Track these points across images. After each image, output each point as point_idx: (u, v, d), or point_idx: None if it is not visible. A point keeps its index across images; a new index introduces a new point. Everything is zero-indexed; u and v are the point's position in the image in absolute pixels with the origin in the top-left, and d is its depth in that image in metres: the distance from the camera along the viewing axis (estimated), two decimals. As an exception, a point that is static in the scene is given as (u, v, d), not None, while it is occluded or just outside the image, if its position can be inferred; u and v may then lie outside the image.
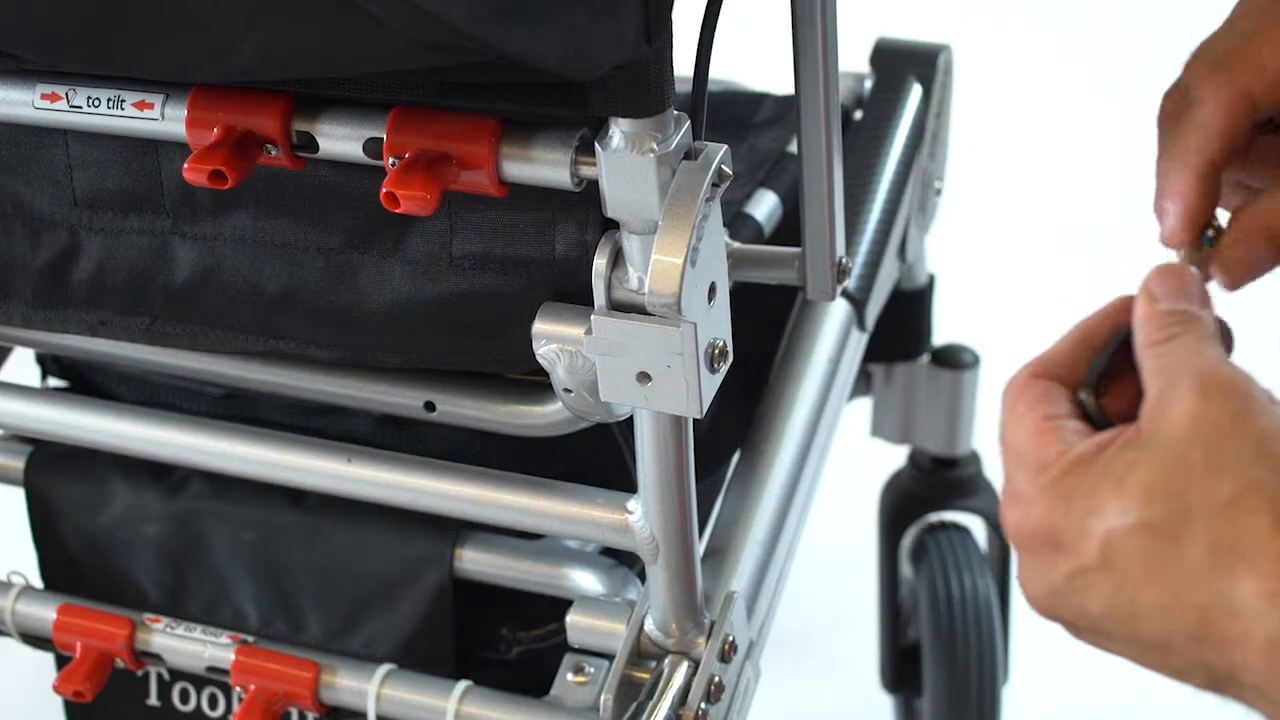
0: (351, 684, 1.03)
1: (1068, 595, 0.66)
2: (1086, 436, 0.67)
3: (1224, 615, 0.61)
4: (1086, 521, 0.64)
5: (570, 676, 1.02)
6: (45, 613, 1.09)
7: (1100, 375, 0.70)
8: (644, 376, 0.82)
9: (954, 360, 1.49)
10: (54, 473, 1.12)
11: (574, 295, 0.86)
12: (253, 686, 1.04)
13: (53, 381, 1.17)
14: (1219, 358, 0.66)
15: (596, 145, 0.79)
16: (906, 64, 1.35)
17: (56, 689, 1.07)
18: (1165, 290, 0.70)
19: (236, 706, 1.05)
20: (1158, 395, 0.65)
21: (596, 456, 1.02)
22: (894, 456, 1.59)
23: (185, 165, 0.83)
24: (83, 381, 1.15)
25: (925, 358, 1.50)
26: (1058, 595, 0.67)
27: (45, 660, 1.16)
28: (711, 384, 0.83)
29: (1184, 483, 0.62)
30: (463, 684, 1.00)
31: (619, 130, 0.78)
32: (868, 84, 1.36)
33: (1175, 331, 0.68)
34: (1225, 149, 0.76)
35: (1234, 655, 0.61)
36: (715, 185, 0.79)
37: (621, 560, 1.05)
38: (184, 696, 1.14)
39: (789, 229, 1.15)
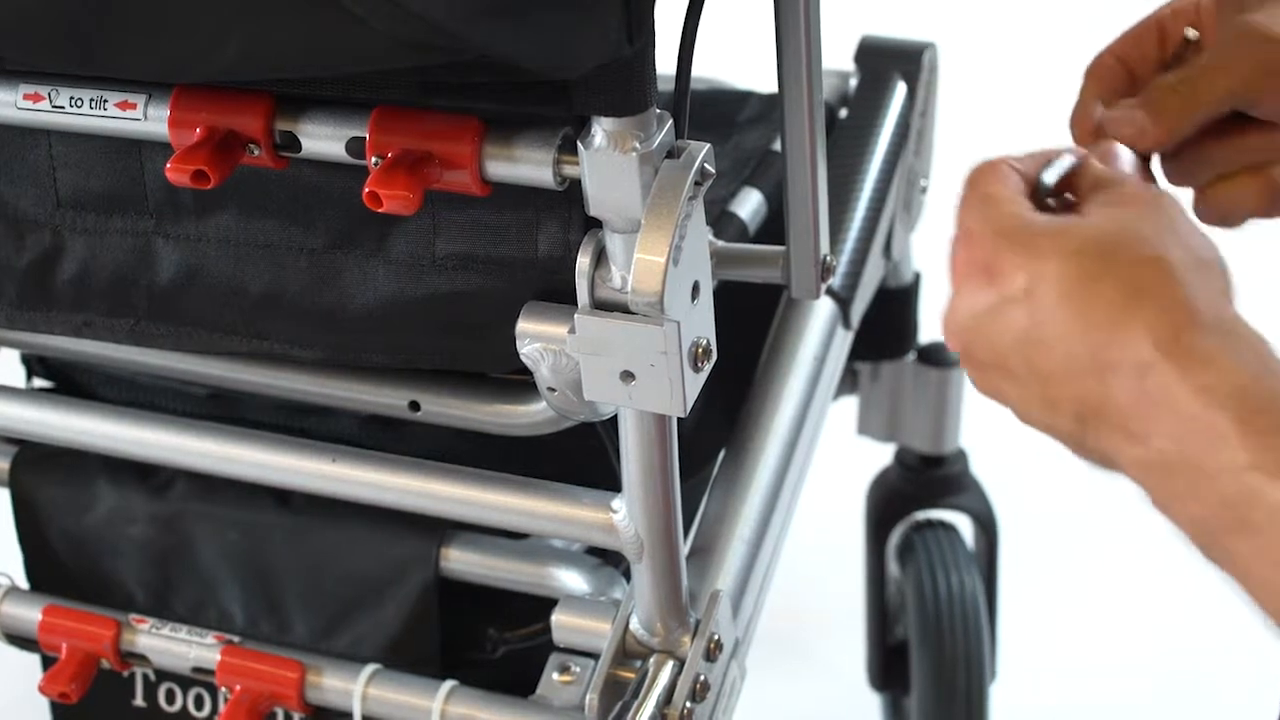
0: (337, 684, 1.03)
1: (985, 325, 0.74)
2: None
3: (1114, 345, 0.69)
4: (1023, 257, 0.72)
5: (556, 676, 1.02)
6: (30, 613, 1.09)
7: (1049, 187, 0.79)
8: (628, 375, 0.82)
9: (940, 358, 1.49)
10: (39, 473, 1.12)
11: (557, 294, 0.86)
12: (238, 687, 1.04)
13: (38, 382, 1.17)
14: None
15: (579, 144, 0.79)
16: (891, 62, 1.35)
17: (42, 690, 1.07)
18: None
19: (222, 707, 1.05)
20: (1104, 190, 0.76)
21: (581, 456, 1.02)
22: (880, 455, 1.59)
23: (168, 165, 0.83)
24: (68, 382, 1.15)
25: (911, 356, 1.50)
26: (977, 326, 0.75)
27: (31, 661, 1.15)
28: (695, 383, 0.83)
29: (1114, 244, 0.71)
30: (448, 684, 1.00)
31: (601, 129, 0.78)
32: (852, 82, 1.36)
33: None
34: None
35: (1110, 383, 0.69)
36: (698, 184, 0.79)
37: (607, 559, 1.05)
38: (170, 697, 1.14)
39: (773, 227, 1.15)
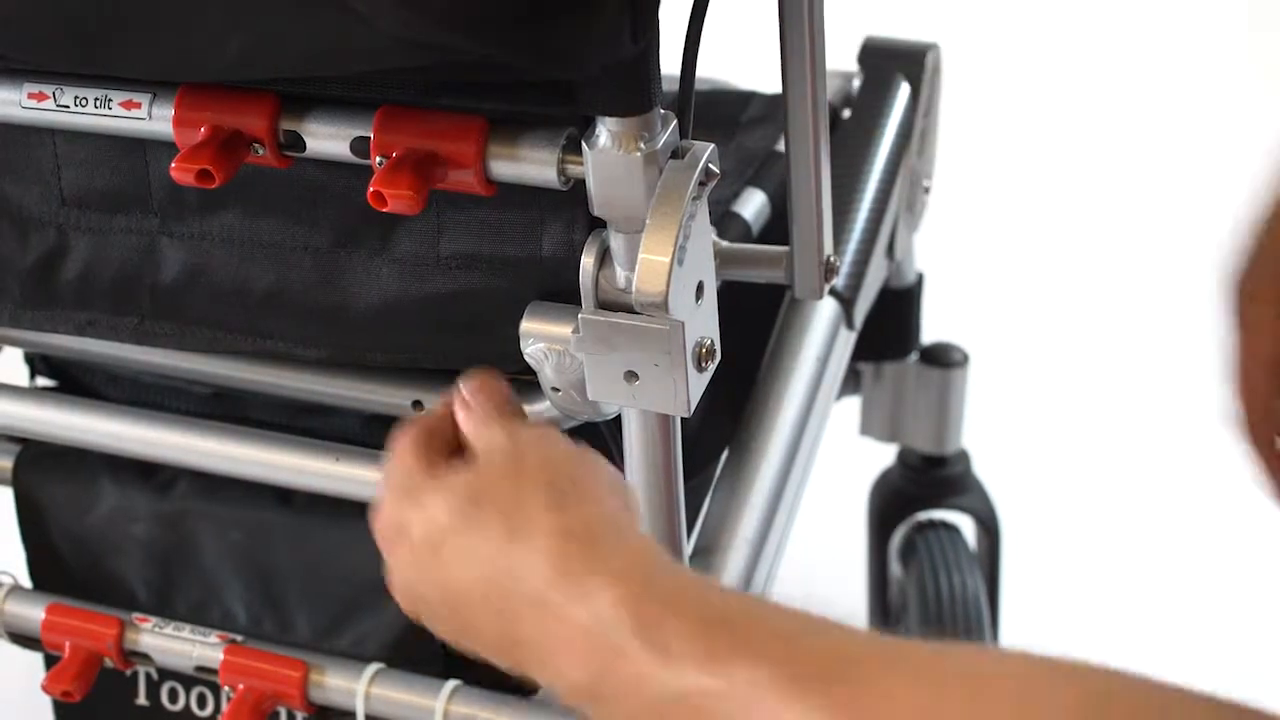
0: (340, 683, 1.03)
1: (412, 579, 0.78)
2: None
3: (509, 577, 0.72)
4: (416, 511, 0.77)
5: (559, 675, 1.01)
6: (33, 612, 1.09)
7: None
8: (631, 375, 0.82)
9: (943, 359, 1.49)
10: (42, 472, 1.12)
11: (561, 294, 0.86)
12: (241, 686, 1.03)
13: (41, 381, 1.17)
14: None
15: (583, 144, 0.79)
16: (894, 63, 1.35)
17: (45, 689, 1.07)
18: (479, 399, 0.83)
19: (225, 706, 1.05)
20: (483, 444, 0.80)
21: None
22: (882, 455, 1.59)
23: (173, 165, 0.83)
24: (71, 381, 1.15)
25: (914, 356, 1.50)
26: (408, 582, 0.79)
27: (34, 660, 1.15)
28: (699, 383, 0.83)
29: (489, 485, 0.76)
30: (451, 683, 1.00)
31: (606, 129, 0.78)
32: (856, 83, 1.36)
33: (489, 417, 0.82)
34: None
35: (515, 622, 0.72)
36: (702, 184, 0.79)
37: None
38: (173, 696, 1.14)
39: (777, 228, 1.15)
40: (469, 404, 0.83)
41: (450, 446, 0.82)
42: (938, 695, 0.58)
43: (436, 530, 0.76)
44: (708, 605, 0.66)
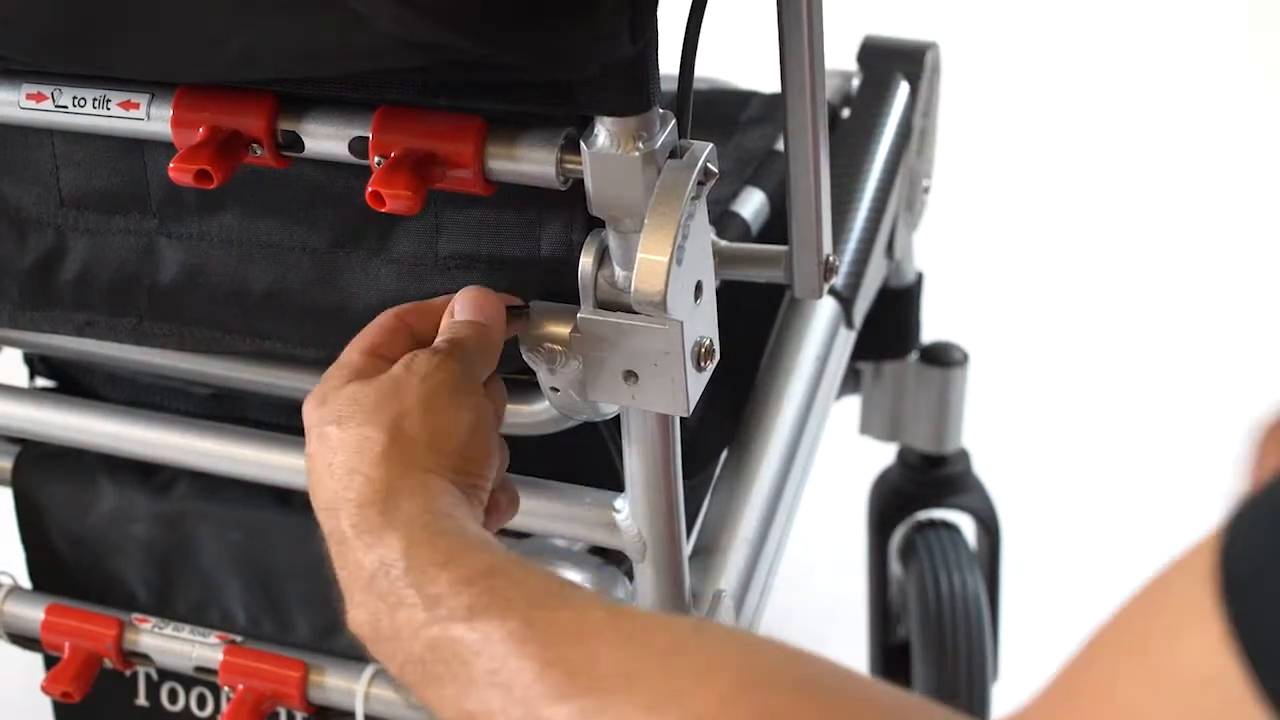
0: (340, 683, 1.03)
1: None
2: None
3: (331, 509, 0.76)
4: (313, 405, 0.80)
5: (558, 675, 1.01)
6: (33, 613, 1.09)
7: None
8: (631, 375, 0.82)
9: (942, 358, 1.49)
10: (42, 473, 1.12)
11: (560, 294, 0.86)
12: (241, 686, 1.03)
13: (40, 381, 1.17)
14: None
15: (582, 144, 0.79)
16: (894, 62, 1.35)
17: (44, 689, 1.07)
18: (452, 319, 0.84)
19: (225, 706, 1.05)
20: (398, 365, 0.81)
21: (584, 455, 1.02)
22: (883, 455, 1.59)
23: (171, 165, 0.83)
24: (70, 381, 1.15)
25: (914, 355, 1.50)
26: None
27: (33, 660, 1.15)
28: (698, 382, 0.83)
29: (362, 408, 0.77)
30: (451, 683, 1.00)
31: (604, 129, 0.78)
32: (855, 82, 1.36)
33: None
34: None
35: (332, 552, 0.76)
36: (701, 183, 0.79)
37: (609, 559, 1.05)
38: (172, 696, 1.14)
39: (776, 227, 1.15)
40: (416, 318, 0.84)
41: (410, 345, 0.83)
42: (637, 657, 0.64)
43: (310, 428, 0.79)
44: (476, 566, 0.71)
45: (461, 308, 0.83)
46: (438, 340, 0.82)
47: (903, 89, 1.34)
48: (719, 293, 0.85)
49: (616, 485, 0.94)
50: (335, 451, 0.77)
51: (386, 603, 0.71)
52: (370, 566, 0.73)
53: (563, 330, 0.85)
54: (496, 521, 0.84)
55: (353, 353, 0.81)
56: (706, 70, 1.05)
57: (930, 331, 1.51)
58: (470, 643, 0.68)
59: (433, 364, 0.79)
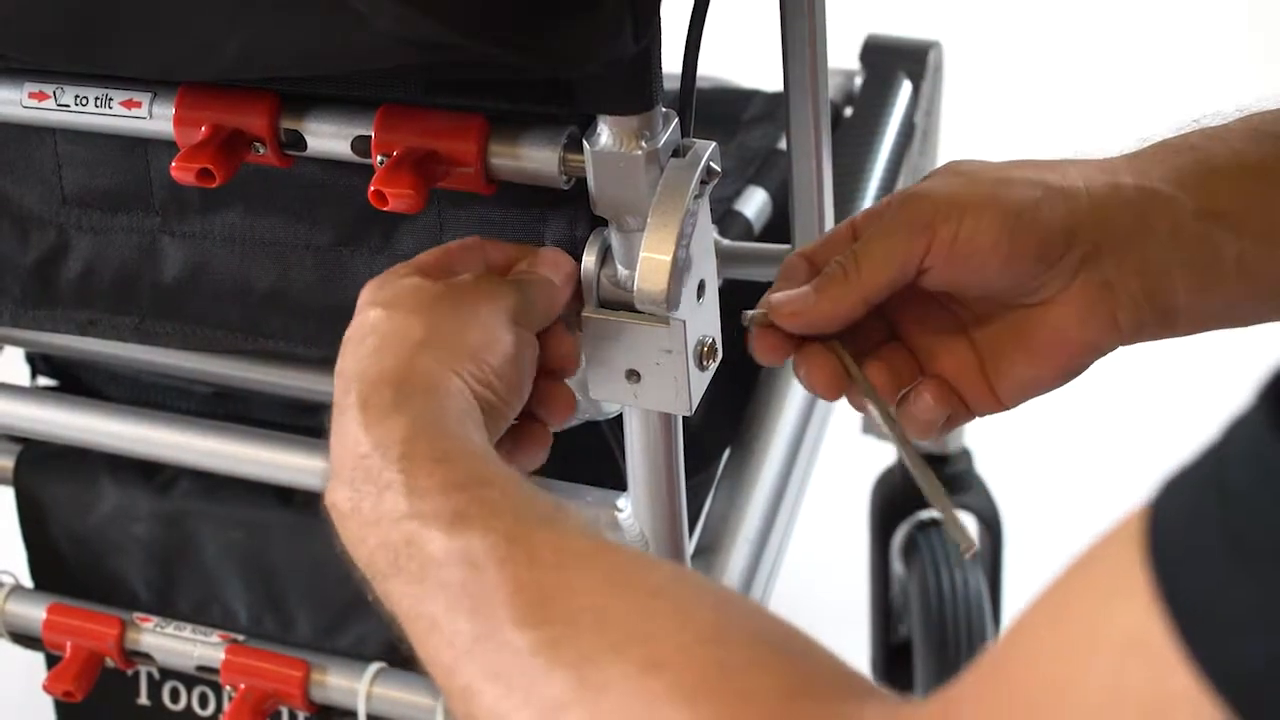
0: (342, 682, 1.03)
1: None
2: None
3: (340, 386, 0.75)
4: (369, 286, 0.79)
5: (560, 675, 1.01)
6: (35, 612, 1.09)
7: None
8: (633, 374, 0.82)
9: (944, 357, 1.49)
10: (43, 472, 1.12)
11: (563, 293, 0.86)
12: (243, 685, 1.03)
13: (42, 380, 1.17)
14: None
15: (584, 142, 0.78)
16: (896, 61, 1.35)
17: (46, 688, 1.07)
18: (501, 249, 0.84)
19: (227, 705, 1.05)
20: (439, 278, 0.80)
21: (587, 454, 1.02)
22: (884, 454, 1.59)
23: (173, 164, 0.83)
24: (72, 380, 1.15)
25: (916, 355, 1.49)
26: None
27: (35, 660, 1.15)
28: (701, 381, 0.83)
29: (409, 300, 0.77)
30: (453, 682, 1.00)
31: (607, 127, 0.78)
32: (858, 81, 1.36)
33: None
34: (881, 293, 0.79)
35: (332, 418, 0.75)
36: (704, 182, 0.79)
37: (611, 558, 1.05)
38: (174, 696, 1.14)
39: (779, 226, 1.15)
40: (494, 249, 0.83)
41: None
42: (611, 594, 0.63)
43: (362, 306, 0.78)
44: (471, 471, 0.69)
45: (539, 260, 0.82)
46: (511, 275, 0.81)
47: (905, 88, 1.33)
48: (721, 292, 0.85)
49: (619, 484, 0.93)
50: (375, 329, 0.76)
51: (375, 483, 0.70)
52: (367, 443, 0.71)
53: (565, 329, 0.85)
54: (527, 455, 0.82)
55: (427, 255, 0.81)
56: (709, 69, 1.05)
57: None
58: (449, 549, 0.66)
59: (498, 287, 0.78)
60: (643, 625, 0.61)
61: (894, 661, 1.63)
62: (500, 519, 0.67)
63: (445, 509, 0.68)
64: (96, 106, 0.87)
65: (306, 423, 1.07)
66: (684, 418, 0.87)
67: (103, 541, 1.11)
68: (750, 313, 0.80)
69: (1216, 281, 0.77)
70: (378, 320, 0.76)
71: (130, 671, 1.12)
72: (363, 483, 0.71)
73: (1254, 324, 0.83)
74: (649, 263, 0.78)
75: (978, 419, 0.83)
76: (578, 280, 0.82)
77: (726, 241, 1.09)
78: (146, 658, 1.07)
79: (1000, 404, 0.81)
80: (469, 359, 0.75)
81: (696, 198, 0.78)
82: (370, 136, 0.82)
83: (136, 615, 1.07)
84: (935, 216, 0.77)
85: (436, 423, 0.72)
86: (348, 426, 0.73)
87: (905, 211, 0.78)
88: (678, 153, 0.80)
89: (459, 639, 0.64)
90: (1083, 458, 1.99)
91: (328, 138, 0.83)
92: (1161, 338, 0.79)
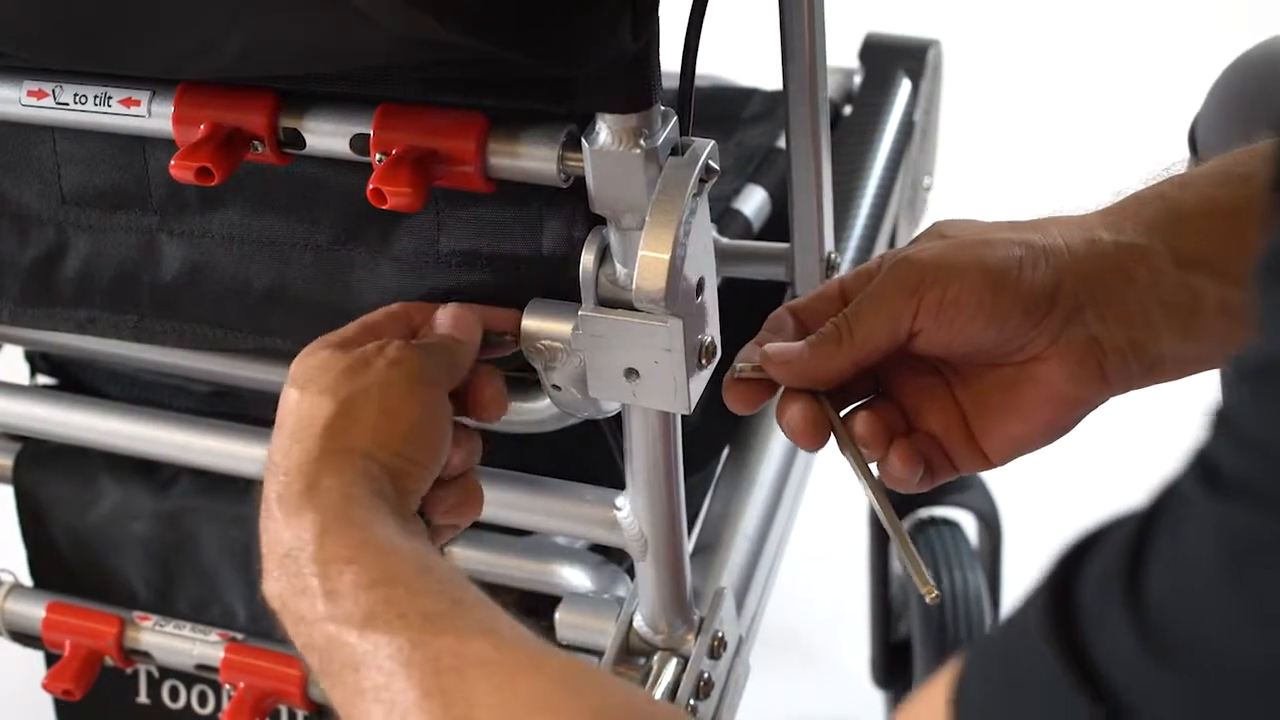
0: (341, 681, 1.03)
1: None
2: None
3: (270, 472, 0.78)
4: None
5: (559, 673, 1.01)
6: (34, 610, 1.09)
7: None
8: (632, 373, 0.82)
9: (944, 356, 1.49)
10: (42, 470, 1.12)
11: (562, 291, 0.86)
12: (242, 684, 1.03)
13: (41, 379, 1.17)
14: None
15: (583, 141, 0.78)
16: (896, 59, 1.35)
17: (45, 687, 1.07)
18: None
19: (226, 704, 1.05)
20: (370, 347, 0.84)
21: (586, 452, 1.02)
22: (884, 452, 1.59)
23: (172, 162, 0.82)
24: (71, 379, 1.15)
25: (915, 353, 1.49)
26: None
27: (34, 658, 1.15)
28: (700, 380, 0.83)
29: (325, 377, 0.80)
30: (452, 681, 1.00)
31: (606, 126, 0.78)
32: (857, 79, 1.36)
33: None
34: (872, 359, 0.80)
35: (265, 505, 0.78)
36: (702, 180, 0.79)
37: (610, 557, 1.05)
38: (173, 694, 1.14)
39: (778, 224, 1.15)
40: (416, 313, 0.86)
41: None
42: (506, 703, 0.67)
43: (288, 382, 0.81)
44: (378, 569, 0.73)
45: (441, 321, 0.85)
46: (417, 338, 0.84)
47: (904, 86, 1.34)
48: (720, 290, 0.85)
49: (618, 483, 0.93)
50: (291, 412, 0.79)
51: (294, 585, 0.74)
52: (286, 543, 0.75)
53: (564, 328, 0.85)
54: (459, 514, 0.85)
55: (350, 326, 0.84)
56: (708, 68, 1.05)
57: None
58: (361, 652, 0.70)
59: (401, 352, 0.81)
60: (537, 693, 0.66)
61: (893, 661, 1.63)
62: (406, 621, 0.70)
63: (356, 612, 0.71)
64: (95, 105, 0.87)
65: (305, 421, 1.07)
66: (683, 416, 0.87)
67: (102, 540, 1.11)
68: (741, 365, 0.81)
69: (1200, 327, 0.78)
70: (295, 403, 0.80)
71: (129, 670, 1.12)
72: (289, 579, 0.75)
73: None
74: (647, 261, 0.78)
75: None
76: (492, 333, 0.86)
77: (725, 240, 1.09)
78: (146, 656, 1.07)
79: (988, 461, 0.82)
80: (376, 431, 0.78)
81: (695, 196, 0.78)
82: (369, 135, 0.82)
83: (136, 614, 1.07)
84: (922, 281, 0.78)
85: (345, 514, 0.75)
86: (269, 524, 0.77)
87: (893, 276, 0.79)
88: (676, 151, 0.79)
89: None
90: (1082, 457, 1.99)
91: (326, 136, 0.83)
92: (1149, 385, 0.80)
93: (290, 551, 0.74)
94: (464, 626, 0.70)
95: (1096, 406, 0.80)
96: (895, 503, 1.57)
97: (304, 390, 0.80)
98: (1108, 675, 0.47)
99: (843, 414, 0.82)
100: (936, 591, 0.79)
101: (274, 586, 0.75)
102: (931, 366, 0.81)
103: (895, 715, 0.56)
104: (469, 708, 0.67)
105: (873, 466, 0.82)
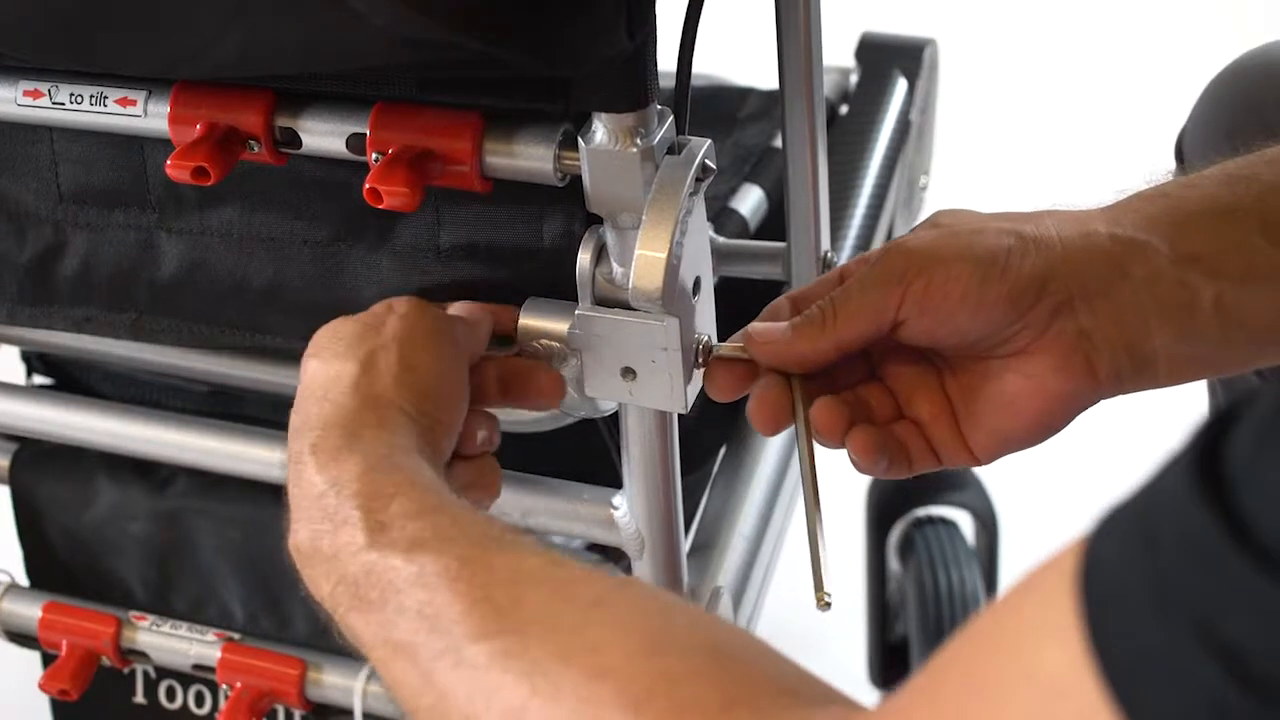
0: (338, 680, 1.03)
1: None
2: None
3: (294, 437, 0.79)
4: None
5: (557, 672, 1.01)
6: (31, 611, 1.09)
7: None
8: (629, 372, 0.82)
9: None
10: (39, 470, 1.12)
11: (561, 285, 0.86)
12: (239, 684, 1.03)
13: (38, 379, 1.17)
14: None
15: (580, 140, 0.78)
16: (892, 58, 1.35)
17: (42, 687, 1.07)
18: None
19: (223, 704, 1.05)
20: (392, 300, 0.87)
21: (582, 451, 1.02)
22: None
23: (168, 162, 0.82)
24: (68, 379, 1.15)
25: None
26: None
27: (31, 658, 1.15)
28: (697, 379, 0.83)
29: (351, 334, 0.82)
30: (449, 680, 1.00)
31: (602, 125, 0.78)
32: (853, 78, 1.36)
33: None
34: (860, 342, 0.79)
35: (289, 472, 0.79)
36: (699, 180, 0.79)
37: (607, 556, 1.05)
38: (170, 694, 1.14)
39: (774, 224, 1.15)
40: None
41: None
42: (561, 605, 0.66)
43: (302, 361, 0.82)
44: (424, 502, 0.73)
45: (453, 309, 0.87)
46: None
47: (900, 86, 1.34)
48: (717, 289, 0.85)
49: (615, 482, 0.93)
50: (313, 380, 0.80)
51: (332, 520, 0.73)
52: (322, 484, 0.75)
53: (561, 326, 0.85)
54: (475, 494, 0.85)
55: (359, 314, 0.85)
56: (704, 67, 1.05)
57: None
58: (406, 574, 0.69)
59: (410, 305, 0.82)
60: (587, 635, 0.64)
61: (891, 660, 1.63)
62: (454, 543, 0.70)
63: (401, 538, 0.71)
64: (91, 104, 0.86)
65: (302, 421, 1.07)
66: (679, 415, 0.87)
67: (99, 540, 1.11)
68: (720, 344, 0.81)
69: (1194, 327, 0.77)
70: (315, 371, 0.81)
71: (126, 670, 1.12)
72: (321, 521, 0.74)
73: (1235, 371, 0.83)
74: (644, 260, 0.78)
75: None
76: (505, 332, 0.86)
77: (722, 239, 1.09)
78: (143, 656, 1.07)
79: (973, 456, 0.81)
80: (402, 387, 0.79)
81: (692, 195, 0.78)
82: (365, 134, 0.82)
83: (132, 614, 1.07)
84: (909, 269, 0.77)
85: (388, 458, 0.75)
86: (303, 472, 0.76)
87: (882, 264, 0.78)
88: (673, 150, 0.79)
89: (421, 658, 0.67)
90: (1078, 456, 1.99)
91: (322, 135, 0.83)
92: (1143, 389, 0.79)
93: (327, 491, 0.74)
94: (515, 547, 0.70)
95: (1087, 406, 0.79)
96: (895, 502, 1.58)
97: (321, 356, 0.81)
98: (1268, 531, 0.43)
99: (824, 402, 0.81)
100: (829, 600, 0.78)
101: (303, 531, 0.75)
102: (925, 356, 0.81)
103: (991, 607, 0.52)
104: (518, 608, 0.66)
105: (838, 456, 0.82)
